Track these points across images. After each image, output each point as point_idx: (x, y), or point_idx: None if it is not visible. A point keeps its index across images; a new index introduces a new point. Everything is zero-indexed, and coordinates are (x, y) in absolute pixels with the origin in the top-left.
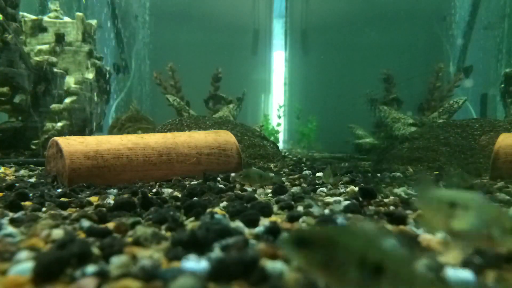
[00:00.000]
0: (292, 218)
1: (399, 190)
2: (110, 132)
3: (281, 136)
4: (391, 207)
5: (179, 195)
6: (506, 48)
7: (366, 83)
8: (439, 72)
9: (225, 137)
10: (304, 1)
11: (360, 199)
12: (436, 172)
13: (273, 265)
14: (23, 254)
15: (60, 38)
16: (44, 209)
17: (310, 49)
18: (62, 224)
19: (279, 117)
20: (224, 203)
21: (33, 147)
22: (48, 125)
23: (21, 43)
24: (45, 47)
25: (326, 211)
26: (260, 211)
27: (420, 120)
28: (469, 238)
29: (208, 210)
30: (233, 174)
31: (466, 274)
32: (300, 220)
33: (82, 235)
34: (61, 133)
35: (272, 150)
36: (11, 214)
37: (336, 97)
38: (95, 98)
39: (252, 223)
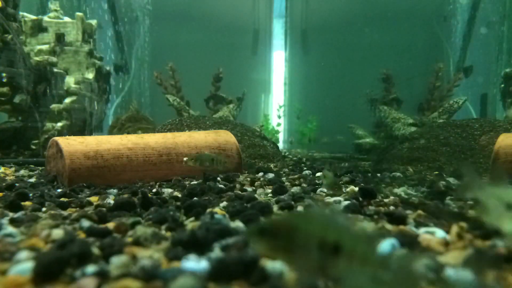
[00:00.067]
0: None
1: (399, 190)
2: (110, 132)
3: (281, 136)
4: (391, 207)
5: (179, 195)
6: (506, 48)
7: (366, 83)
8: (439, 72)
9: (225, 137)
10: (304, 1)
11: (360, 199)
12: (436, 172)
13: (273, 265)
14: (23, 254)
15: (60, 38)
16: (44, 209)
17: (310, 49)
18: (62, 224)
19: (279, 117)
20: (224, 203)
21: (33, 147)
22: (48, 125)
23: (21, 43)
24: (45, 47)
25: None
26: (260, 211)
27: (420, 120)
28: None
29: (208, 210)
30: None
31: (466, 274)
32: None
33: (82, 235)
34: (61, 133)
35: (272, 150)
36: (11, 214)
37: (336, 97)
38: (95, 98)
39: (252, 223)
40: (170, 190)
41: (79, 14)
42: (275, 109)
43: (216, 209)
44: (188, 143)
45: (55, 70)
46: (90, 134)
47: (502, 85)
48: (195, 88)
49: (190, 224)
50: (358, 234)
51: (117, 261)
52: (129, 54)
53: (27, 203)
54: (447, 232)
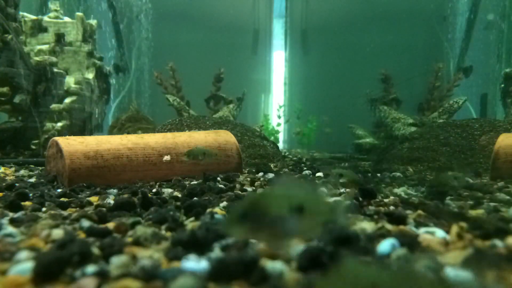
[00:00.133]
0: None
1: (399, 190)
2: (110, 132)
3: (281, 136)
4: (391, 207)
5: (179, 195)
6: (506, 48)
7: (366, 83)
8: (439, 72)
9: (225, 137)
10: (304, 1)
11: (360, 199)
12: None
13: (273, 265)
14: (23, 254)
15: (60, 38)
16: (44, 209)
17: (310, 49)
18: (62, 224)
19: (279, 117)
20: (224, 203)
21: (33, 147)
22: (48, 125)
23: (21, 43)
24: (45, 47)
25: None
26: None
27: (420, 120)
28: None
29: (208, 210)
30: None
31: (466, 274)
32: None
33: (82, 235)
34: (61, 133)
35: (272, 150)
36: (11, 214)
37: (336, 97)
38: (95, 98)
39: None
40: (170, 190)
41: (79, 14)
42: (275, 109)
43: (216, 209)
44: (188, 143)
45: (55, 70)
46: (90, 134)
47: (502, 85)
48: (195, 88)
49: (190, 224)
50: (316, 195)
51: (117, 261)
52: (129, 54)
53: (27, 203)
54: (447, 232)
